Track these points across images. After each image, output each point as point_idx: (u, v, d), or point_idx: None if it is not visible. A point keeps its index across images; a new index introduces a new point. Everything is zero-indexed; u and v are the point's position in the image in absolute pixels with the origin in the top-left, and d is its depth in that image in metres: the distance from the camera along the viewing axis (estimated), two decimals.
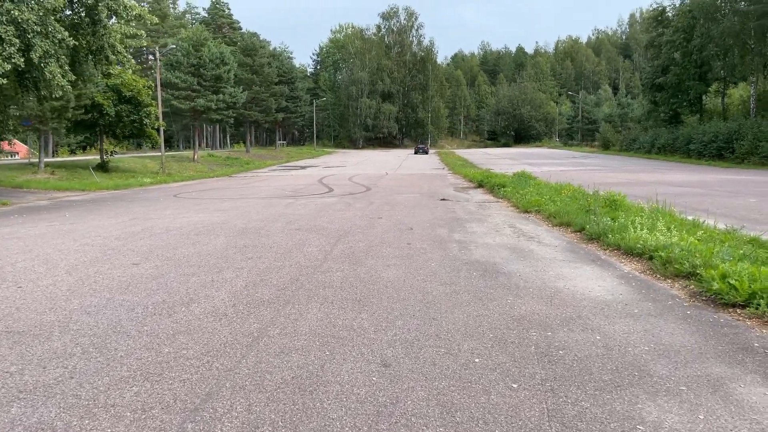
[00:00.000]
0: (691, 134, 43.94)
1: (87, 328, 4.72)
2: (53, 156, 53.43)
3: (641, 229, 8.11)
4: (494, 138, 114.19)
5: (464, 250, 8.40)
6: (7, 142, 48.66)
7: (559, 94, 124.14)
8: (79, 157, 46.53)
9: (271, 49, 79.14)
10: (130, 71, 26.10)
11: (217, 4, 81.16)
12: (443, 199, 16.93)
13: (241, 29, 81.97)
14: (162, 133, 37.74)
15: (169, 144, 76.01)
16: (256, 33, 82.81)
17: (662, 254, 6.72)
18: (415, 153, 71.88)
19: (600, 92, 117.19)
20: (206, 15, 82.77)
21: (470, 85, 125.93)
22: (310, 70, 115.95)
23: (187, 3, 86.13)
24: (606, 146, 70.46)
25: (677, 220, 10.08)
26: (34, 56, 16.06)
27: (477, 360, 3.97)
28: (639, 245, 7.51)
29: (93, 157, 43.44)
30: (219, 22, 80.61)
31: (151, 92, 35.04)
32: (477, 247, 8.65)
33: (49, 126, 29.33)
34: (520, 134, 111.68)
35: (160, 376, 3.69)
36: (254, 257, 7.81)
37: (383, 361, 3.94)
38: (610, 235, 8.34)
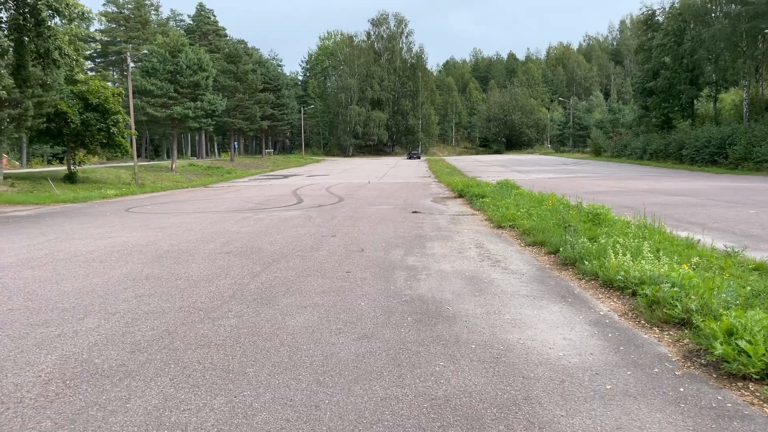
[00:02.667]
0: (684, 139, 42.75)
1: None
2: (27, 166, 51.73)
3: (623, 254, 6.65)
4: (486, 145, 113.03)
5: (411, 280, 6.91)
6: None
7: (551, 101, 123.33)
8: (50, 168, 44.88)
9: (258, 56, 77.88)
10: (80, 75, 24.44)
11: (202, 11, 79.71)
12: (415, 212, 15.48)
13: (227, 36, 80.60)
14: (134, 142, 36.21)
15: (146, 153, 74.42)
16: (242, 40, 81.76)
17: (647, 291, 5.26)
18: (409, 158, 74.62)
19: (592, 98, 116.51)
20: (191, 22, 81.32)
21: (462, 92, 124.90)
22: (300, 77, 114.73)
23: (172, 10, 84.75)
24: (597, 152, 69.35)
25: (668, 238, 8.65)
26: None
27: None
28: (620, 276, 6.04)
29: (64, 168, 41.80)
30: (204, 29, 79.14)
31: (121, 99, 33.52)
32: (429, 276, 7.17)
33: (4, 135, 27.67)
34: (512, 141, 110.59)
35: None
36: (145, 294, 6.29)
37: None
38: (587, 262, 6.88)
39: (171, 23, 78.30)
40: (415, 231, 11.55)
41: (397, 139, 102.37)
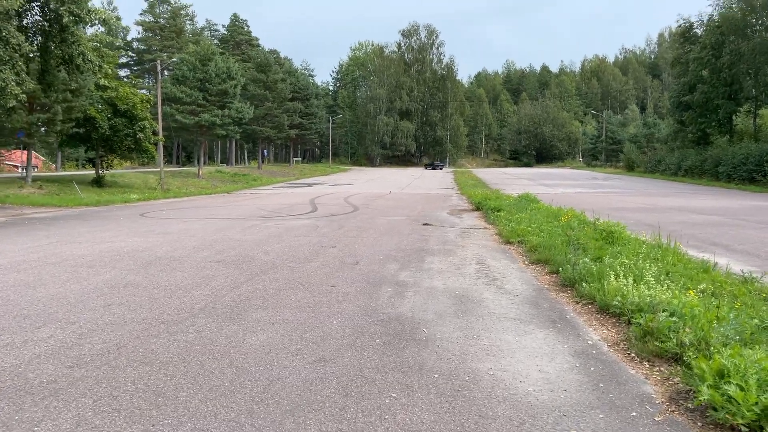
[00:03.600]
0: (720, 156, 41.14)
1: None
2: (61, 170, 53.22)
3: (624, 277, 6.12)
4: (516, 157, 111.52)
5: (396, 298, 6.53)
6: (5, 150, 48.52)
7: (584, 114, 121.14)
8: (81, 172, 45.98)
9: (289, 65, 78.77)
10: (102, 80, 24.86)
11: (236, 21, 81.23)
12: (426, 224, 15.07)
13: (259, 46, 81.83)
14: (161, 148, 36.78)
15: (180, 160, 75.83)
16: (275, 50, 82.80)
17: (641, 321, 4.75)
18: (432, 169, 75.82)
19: (627, 112, 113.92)
20: (225, 32, 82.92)
21: (492, 104, 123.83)
22: (330, 87, 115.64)
23: (207, 20, 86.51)
24: (630, 167, 67.50)
25: (682, 260, 8.04)
26: None
27: None
28: (616, 302, 5.54)
29: (93, 172, 42.76)
30: (237, 39, 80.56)
31: (149, 106, 34.11)
32: (416, 293, 6.77)
33: (35, 139, 28.40)
34: (542, 154, 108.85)
35: None
36: (115, 303, 6.07)
37: None
38: (584, 284, 6.37)
39: (206, 33, 79.99)
40: (419, 244, 11.14)
41: (425, 149, 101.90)
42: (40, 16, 18.07)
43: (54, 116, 26.88)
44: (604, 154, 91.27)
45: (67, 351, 4.52)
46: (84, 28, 17.97)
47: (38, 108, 26.91)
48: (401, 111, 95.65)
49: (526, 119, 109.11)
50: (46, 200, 24.58)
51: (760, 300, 5.76)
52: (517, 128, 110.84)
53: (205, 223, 15.01)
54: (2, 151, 49.36)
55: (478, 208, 20.26)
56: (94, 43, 18.87)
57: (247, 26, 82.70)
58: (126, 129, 31.44)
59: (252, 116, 51.07)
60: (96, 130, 30.87)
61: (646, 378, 4.07)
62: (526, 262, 9.09)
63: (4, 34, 15.28)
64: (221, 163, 73.91)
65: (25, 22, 17.44)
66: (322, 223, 15.18)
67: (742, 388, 3.20)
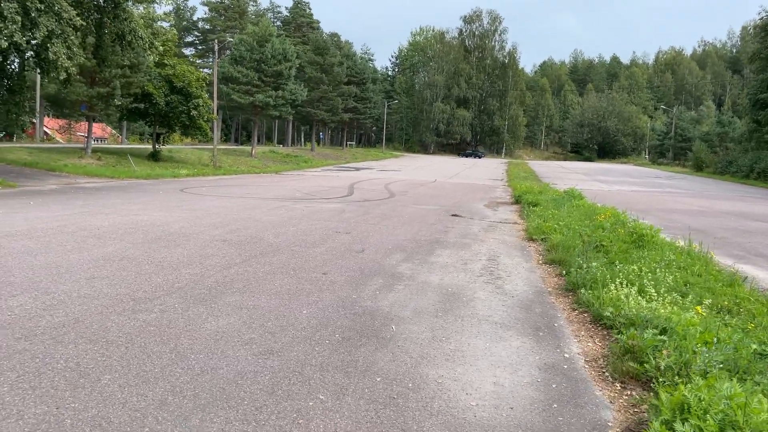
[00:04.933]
0: None
1: None
2: (126, 142, 55.71)
3: (625, 286, 5.58)
4: (577, 151, 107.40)
5: (383, 290, 6.26)
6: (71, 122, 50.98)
7: (655, 108, 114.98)
8: (141, 146, 47.85)
9: (349, 50, 78.82)
10: (155, 57, 25.52)
11: (299, 3, 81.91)
12: (454, 215, 14.64)
13: (319, 29, 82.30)
14: (216, 126, 37.71)
15: (239, 138, 77.71)
16: (336, 33, 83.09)
17: (624, 337, 4.28)
18: (472, 156, 75.92)
19: (702, 108, 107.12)
20: (288, 14, 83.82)
21: (556, 95, 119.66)
22: (389, 73, 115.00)
23: (271, 1, 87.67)
24: (699, 167, 63.59)
25: (711, 270, 7.32)
26: (38, 35, 15.52)
27: None
28: (608, 312, 5.05)
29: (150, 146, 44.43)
30: (299, 21, 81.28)
31: (205, 84, 34.97)
32: (406, 287, 6.48)
33: (97, 112, 29.69)
34: (605, 148, 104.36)
35: None
36: (99, 277, 6.11)
37: None
38: (583, 290, 5.88)
39: (269, 15, 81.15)
40: (437, 236, 10.78)
41: (481, 139, 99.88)
42: None
43: (113, 90, 28.00)
44: (672, 151, 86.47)
45: (25, 322, 4.54)
46: (134, 5, 18.38)
47: (99, 82, 28.10)
48: (458, 98, 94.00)
49: (590, 111, 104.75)
50: (101, 171, 25.69)
51: None
52: (580, 120, 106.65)
53: (236, 202, 15.18)
54: (72, 122, 52.19)
55: (517, 202, 19.56)
56: (147, 20, 19.24)
57: (309, 9, 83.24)
58: (181, 106, 32.38)
59: (306, 98, 51.48)
60: (153, 106, 31.97)
61: (611, 402, 3.64)
62: (540, 262, 8.58)
63: (56, 8, 15.86)
64: (278, 143, 75.31)
65: None
66: (350, 208, 15.03)
67: (699, 430, 2.75)
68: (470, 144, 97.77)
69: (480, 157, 78.87)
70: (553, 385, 3.85)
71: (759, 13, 53.76)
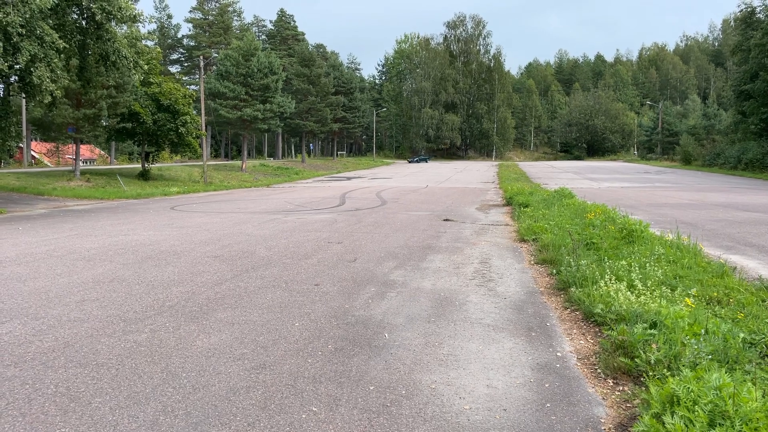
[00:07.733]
0: None
1: None
2: (115, 162, 55.50)
3: (614, 282, 5.62)
4: (567, 150, 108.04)
5: (376, 299, 6.26)
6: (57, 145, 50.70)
7: (641, 105, 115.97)
8: (130, 165, 47.72)
9: (334, 59, 79.12)
10: (136, 76, 25.51)
11: (282, 17, 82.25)
12: (446, 220, 14.67)
13: (305, 41, 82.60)
14: (204, 142, 37.67)
15: (228, 153, 77.65)
16: (321, 44, 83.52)
17: (615, 333, 4.30)
18: (416, 161, 76.06)
19: (687, 102, 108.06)
20: (272, 27, 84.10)
21: (543, 95, 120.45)
22: (376, 81, 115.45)
23: (255, 16, 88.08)
24: (687, 161, 64.07)
25: (700, 262, 7.38)
26: (21, 60, 15.48)
27: None
28: (599, 309, 5.08)
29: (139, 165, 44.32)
30: (284, 34, 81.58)
31: (192, 101, 34.97)
32: (399, 294, 6.48)
33: (84, 134, 29.61)
34: (594, 147, 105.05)
35: None
36: (89, 299, 6.08)
37: None
38: (573, 288, 5.91)
39: (254, 29, 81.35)
40: (429, 241, 10.80)
41: (471, 143, 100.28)
42: (77, 15, 18.66)
43: (99, 111, 27.96)
44: (660, 146, 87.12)
45: (14, 348, 4.51)
46: (118, 25, 18.39)
47: (85, 104, 28.06)
48: (446, 103, 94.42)
49: (578, 111, 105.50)
50: (91, 193, 25.60)
51: None
52: (568, 120, 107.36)
53: (226, 218, 15.15)
54: (60, 145, 51.98)
55: (508, 203, 19.65)
56: (131, 40, 19.25)
57: (294, 21, 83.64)
58: (169, 123, 32.35)
59: (295, 110, 51.56)
60: (141, 125, 31.93)
61: (604, 399, 3.65)
62: (532, 262, 8.62)
63: (38, 32, 15.84)
64: (268, 156, 75.30)
65: (64, 20, 18.02)
66: (342, 218, 15.03)
67: (689, 421, 2.77)
68: (460, 148, 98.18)
69: (426, 161, 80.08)
70: (546, 385, 3.87)
71: (739, 6, 54.36)
